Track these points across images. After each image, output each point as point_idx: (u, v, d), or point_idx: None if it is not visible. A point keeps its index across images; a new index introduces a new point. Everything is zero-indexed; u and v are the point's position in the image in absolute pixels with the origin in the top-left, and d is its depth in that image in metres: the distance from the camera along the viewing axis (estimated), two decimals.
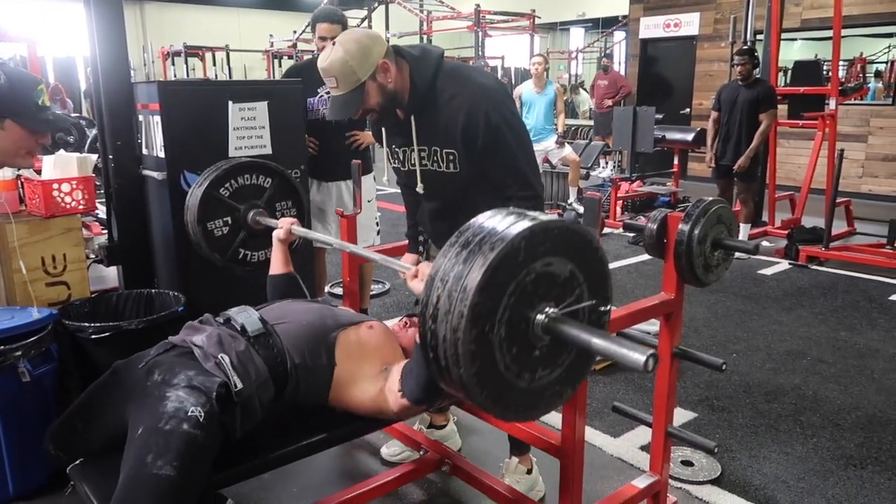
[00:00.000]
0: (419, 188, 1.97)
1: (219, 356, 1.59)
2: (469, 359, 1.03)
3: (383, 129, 1.99)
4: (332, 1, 12.35)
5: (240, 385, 1.55)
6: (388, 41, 1.84)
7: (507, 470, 2.25)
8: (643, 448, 2.54)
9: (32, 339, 2.15)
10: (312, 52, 3.21)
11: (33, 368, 2.12)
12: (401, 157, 1.99)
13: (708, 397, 2.99)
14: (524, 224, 1.05)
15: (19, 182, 2.62)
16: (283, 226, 2.08)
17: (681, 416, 2.79)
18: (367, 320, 1.86)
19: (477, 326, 1.02)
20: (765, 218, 6.06)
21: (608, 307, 1.21)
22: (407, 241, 2.33)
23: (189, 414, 1.46)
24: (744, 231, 5.38)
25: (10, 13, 13.54)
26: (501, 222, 1.08)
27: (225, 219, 2.23)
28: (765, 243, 5.59)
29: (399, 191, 2.23)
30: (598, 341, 1.05)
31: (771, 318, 3.99)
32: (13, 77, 1.59)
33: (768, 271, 4.98)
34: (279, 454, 1.66)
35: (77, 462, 1.63)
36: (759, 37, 6.37)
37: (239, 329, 1.69)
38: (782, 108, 5.89)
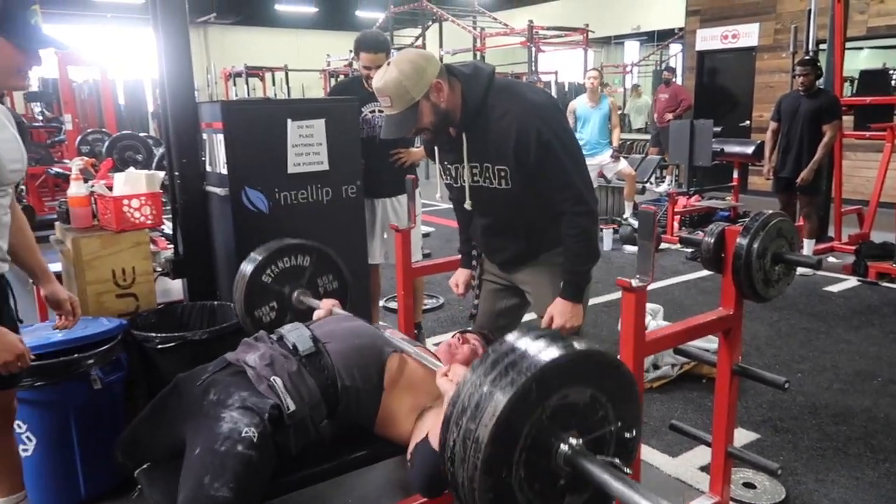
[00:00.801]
0: (467, 204, 1.98)
1: (271, 378, 1.61)
2: None
3: (436, 147, 2.03)
4: (387, 21, 12.65)
5: (293, 407, 1.58)
6: (441, 59, 1.87)
7: None
8: (703, 468, 2.47)
9: (104, 348, 2.25)
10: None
11: (104, 376, 2.22)
12: (453, 174, 2.01)
13: (771, 418, 2.89)
14: (535, 364, 1.01)
15: (93, 198, 2.76)
16: (325, 307, 2.08)
17: (742, 436, 2.71)
18: (417, 346, 1.85)
19: (492, 475, 0.99)
20: (831, 233, 5.84)
21: (634, 433, 1.14)
22: (460, 257, 2.35)
23: (243, 435, 1.49)
24: (808, 246, 5.20)
25: (84, 40, 14.29)
26: (517, 355, 1.03)
27: (271, 304, 2.25)
28: (831, 259, 5.39)
29: (451, 206, 2.24)
30: (616, 487, 0.98)
31: (838, 337, 3.84)
32: None
33: (835, 288, 4.80)
34: (333, 465, 1.69)
35: (144, 466, 1.70)
36: (821, 46, 6.18)
37: (291, 348, 1.71)
38: (847, 120, 5.69)
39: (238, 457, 1.46)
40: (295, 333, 1.75)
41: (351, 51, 12.46)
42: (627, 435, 1.13)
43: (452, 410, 1.03)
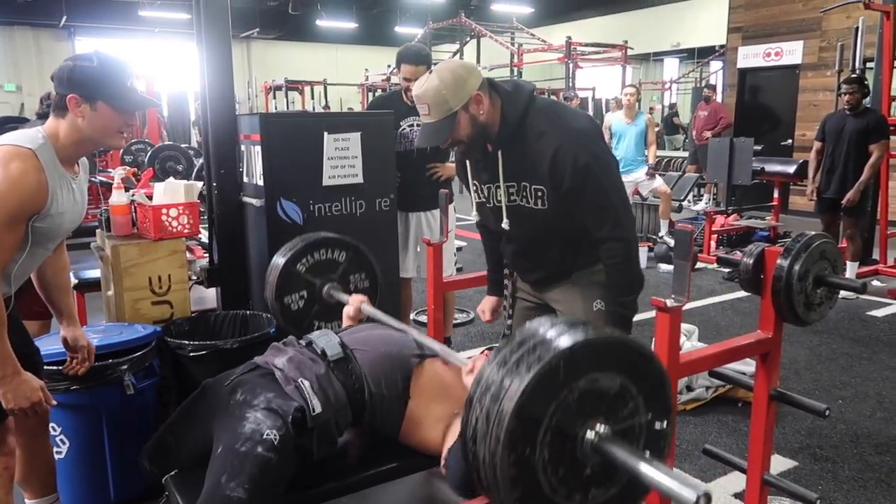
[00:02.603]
0: (504, 224, 1.93)
1: (298, 380, 1.63)
2: (509, 484, 0.98)
3: (468, 165, 2.00)
4: (426, 36, 12.77)
5: (318, 409, 1.59)
6: None
7: None
8: (737, 496, 2.40)
9: (137, 354, 2.28)
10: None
11: (137, 382, 2.25)
12: (486, 194, 1.97)
13: (810, 445, 2.79)
14: (565, 341, 0.99)
15: (133, 207, 2.82)
16: (354, 304, 2.10)
17: (779, 463, 2.62)
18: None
19: (515, 451, 0.97)
20: (875, 256, 5.67)
21: (665, 425, 1.10)
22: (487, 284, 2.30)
23: (264, 437, 1.51)
24: (851, 269, 5.05)
25: (131, 53, 14.72)
26: (545, 335, 1.02)
27: (301, 293, 2.28)
28: (875, 283, 5.23)
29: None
30: (646, 470, 0.95)
31: (882, 364, 3.71)
32: (105, 61, 1.68)
33: (879, 313, 4.64)
34: (357, 478, 1.68)
35: (172, 473, 1.71)
36: (868, 65, 6.04)
37: (319, 353, 1.73)
38: (894, 140, 5.53)
39: (257, 458, 1.48)
40: (324, 339, 1.77)
41: (389, 65, 12.59)
42: (658, 426, 1.09)
43: (476, 389, 1.02)
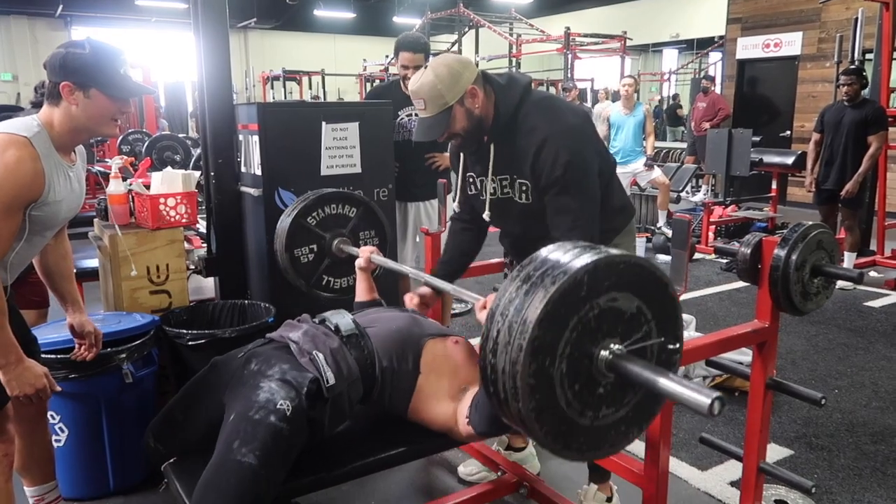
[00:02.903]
0: (486, 215, 1.94)
1: (313, 352, 1.66)
2: (528, 393, 1.00)
3: (461, 157, 2.00)
4: (424, 27, 12.72)
5: (332, 381, 1.61)
6: (477, 64, 1.84)
7: (585, 497, 2.20)
8: (733, 484, 2.41)
9: (136, 343, 2.29)
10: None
11: (136, 371, 2.26)
12: (478, 186, 1.98)
13: (806, 434, 2.81)
14: (589, 258, 1.02)
15: (130, 196, 2.81)
16: (364, 255, 2.11)
17: (775, 452, 2.64)
18: (453, 335, 1.87)
19: (536, 360, 0.99)
20: (873, 247, 5.68)
21: (677, 346, 1.15)
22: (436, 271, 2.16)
23: (278, 406, 1.53)
24: (849, 260, 5.06)
25: (128, 43, 14.65)
26: (565, 255, 1.05)
27: (311, 246, 2.30)
28: (872, 273, 5.24)
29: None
30: (664, 381, 0.99)
31: (879, 354, 3.72)
32: (97, 48, 1.66)
33: (876, 303, 4.65)
34: (358, 465, 1.69)
35: (171, 461, 1.72)
36: (867, 56, 6.03)
37: (333, 329, 1.75)
38: (893, 131, 5.53)
39: (269, 427, 1.51)
40: (337, 316, 1.79)
41: (387, 55, 12.55)
42: (671, 346, 1.14)
43: (498, 304, 1.04)
